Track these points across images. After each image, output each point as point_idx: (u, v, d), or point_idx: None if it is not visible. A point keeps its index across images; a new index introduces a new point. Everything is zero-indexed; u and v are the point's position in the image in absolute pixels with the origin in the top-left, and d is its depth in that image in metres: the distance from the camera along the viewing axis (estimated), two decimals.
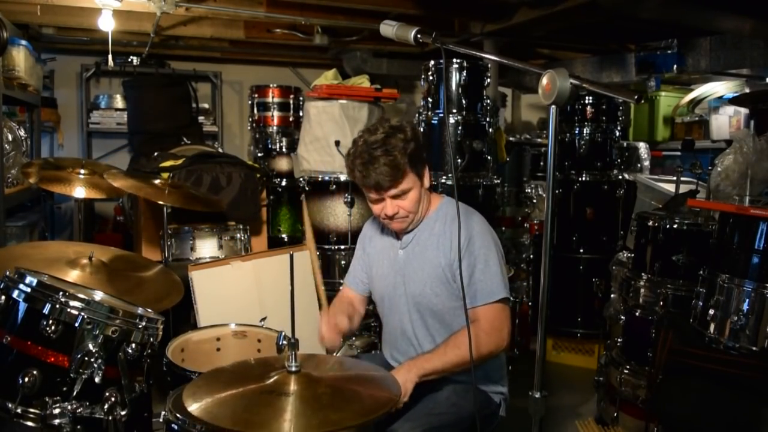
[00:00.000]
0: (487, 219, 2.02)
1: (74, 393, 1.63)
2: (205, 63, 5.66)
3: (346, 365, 1.65)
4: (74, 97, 5.42)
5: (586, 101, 3.96)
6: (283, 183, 4.45)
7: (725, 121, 4.77)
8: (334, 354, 2.09)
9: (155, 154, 3.94)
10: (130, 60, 5.11)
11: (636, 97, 1.32)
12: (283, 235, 4.44)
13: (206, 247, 3.32)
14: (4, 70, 3.31)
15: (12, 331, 1.67)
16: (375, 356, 2.38)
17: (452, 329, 1.93)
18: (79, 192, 2.98)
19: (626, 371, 2.86)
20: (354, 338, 3.41)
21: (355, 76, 3.83)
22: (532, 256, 4.14)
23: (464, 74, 3.37)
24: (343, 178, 3.52)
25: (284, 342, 1.45)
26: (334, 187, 3.54)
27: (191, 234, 3.30)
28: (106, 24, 3.71)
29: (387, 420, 1.79)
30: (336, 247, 3.58)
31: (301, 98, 4.84)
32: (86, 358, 1.63)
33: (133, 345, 1.73)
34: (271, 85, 4.82)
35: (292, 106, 4.82)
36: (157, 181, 3.09)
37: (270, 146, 4.61)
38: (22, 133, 3.67)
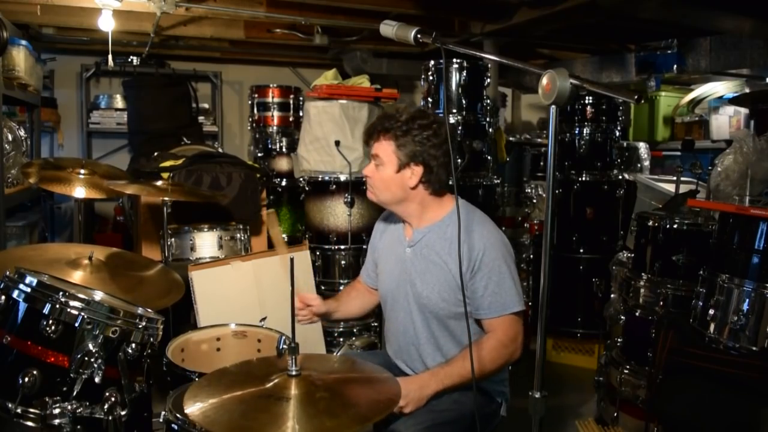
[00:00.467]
0: (493, 222, 2.02)
1: (74, 393, 1.63)
2: (205, 63, 5.66)
3: (348, 366, 1.64)
4: (74, 97, 5.42)
5: (586, 101, 3.96)
6: (283, 183, 4.45)
7: (725, 121, 4.77)
8: (335, 354, 2.08)
9: (155, 154, 3.94)
10: (130, 60, 5.11)
11: (636, 97, 1.32)
12: (283, 235, 4.44)
13: (206, 247, 3.32)
14: (4, 70, 3.31)
15: (12, 331, 1.67)
16: (377, 354, 2.38)
17: (455, 335, 1.94)
18: (79, 192, 2.98)
19: (626, 371, 2.86)
20: (354, 338, 3.42)
21: (355, 76, 3.83)
22: (532, 256, 4.14)
23: (464, 74, 3.37)
24: (343, 178, 3.52)
25: (284, 346, 1.45)
26: (334, 187, 3.54)
27: (191, 234, 3.30)
28: (106, 24, 3.71)
29: (388, 417, 1.79)
30: (336, 247, 3.59)
31: (301, 98, 4.84)
32: (86, 358, 1.63)
33: (133, 345, 1.73)
34: (271, 85, 4.82)
35: (292, 106, 4.82)
36: (159, 183, 3.08)
37: (270, 146, 4.61)
38: (22, 133, 3.67)
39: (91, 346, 1.65)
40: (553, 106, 1.33)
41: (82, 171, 3.04)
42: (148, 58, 5.06)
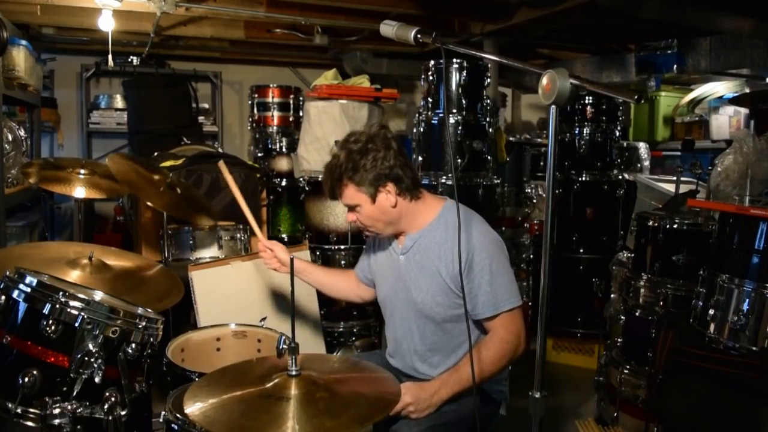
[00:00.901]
0: (487, 219, 2.01)
1: (74, 393, 1.63)
2: (205, 63, 5.66)
3: (348, 366, 1.64)
4: (74, 97, 5.42)
5: (586, 101, 3.96)
6: (283, 183, 4.45)
7: (725, 121, 4.77)
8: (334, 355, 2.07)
9: (155, 154, 3.95)
10: (130, 60, 5.11)
11: (636, 97, 1.32)
12: (283, 235, 4.44)
13: (206, 247, 3.32)
14: (4, 70, 3.31)
15: (12, 331, 1.67)
16: (375, 355, 2.38)
17: (453, 337, 1.94)
18: (79, 192, 2.99)
19: (626, 371, 2.86)
20: (354, 338, 3.43)
21: (355, 76, 3.83)
22: (532, 256, 4.14)
23: (464, 74, 3.37)
24: None
25: (284, 346, 1.44)
26: None
27: (191, 234, 3.30)
28: (106, 24, 3.71)
29: (389, 418, 1.79)
30: (336, 247, 3.58)
31: (301, 98, 4.83)
32: (86, 358, 1.63)
33: (133, 345, 1.73)
34: (271, 85, 4.82)
35: (292, 106, 4.82)
36: (156, 177, 3.06)
37: (270, 146, 4.61)
38: (22, 133, 3.67)
39: (91, 346, 1.65)
40: (553, 106, 1.33)
41: (82, 171, 3.04)
42: (148, 58, 5.06)
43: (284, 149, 4.53)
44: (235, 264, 2.93)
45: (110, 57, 3.78)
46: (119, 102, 5.32)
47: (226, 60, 5.73)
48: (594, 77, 4.59)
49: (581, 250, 4.00)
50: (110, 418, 1.57)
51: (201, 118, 5.49)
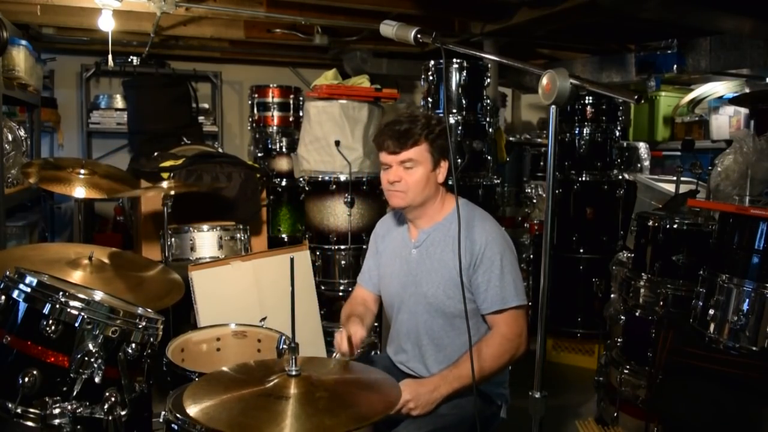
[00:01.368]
0: (495, 219, 2.03)
1: (74, 393, 1.63)
2: (205, 63, 5.66)
3: (347, 368, 1.64)
4: (74, 97, 5.42)
5: (586, 101, 3.96)
6: (283, 183, 4.45)
7: (725, 121, 4.77)
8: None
9: (155, 154, 3.95)
10: (130, 60, 5.11)
11: (636, 97, 1.31)
12: (283, 235, 4.45)
13: (206, 247, 3.32)
14: (4, 70, 3.31)
15: (12, 331, 1.67)
16: (378, 357, 2.37)
17: (461, 334, 1.93)
18: (79, 192, 2.99)
19: (626, 371, 2.86)
20: None
21: (355, 76, 3.83)
22: (532, 256, 4.14)
23: (464, 74, 3.37)
24: (343, 178, 3.52)
25: (284, 346, 1.45)
26: (334, 187, 3.54)
27: (191, 234, 3.30)
28: (106, 24, 3.71)
29: (390, 422, 1.79)
30: (336, 247, 3.59)
31: (301, 98, 4.83)
32: (86, 358, 1.63)
33: (133, 345, 1.73)
34: (271, 85, 4.82)
35: (292, 106, 4.82)
36: (164, 185, 3.09)
37: (270, 146, 4.61)
38: (22, 133, 3.67)
39: (91, 346, 1.65)
40: (553, 106, 1.33)
41: (82, 171, 3.04)
42: (148, 58, 5.06)
43: (284, 149, 4.53)
44: (235, 264, 2.94)
45: (110, 57, 3.78)
46: (119, 102, 5.32)
47: (226, 60, 5.73)
48: (594, 77, 4.59)
49: (581, 250, 4.00)
50: (110, 418, 1.57)
51: (201, 118, 5.49)
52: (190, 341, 2.27)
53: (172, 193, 3.07)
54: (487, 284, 1.88)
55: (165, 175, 3.43)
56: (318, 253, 3.60)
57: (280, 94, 4.81)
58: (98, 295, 1.96)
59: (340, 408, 1.36)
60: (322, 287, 3.58)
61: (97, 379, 1.64)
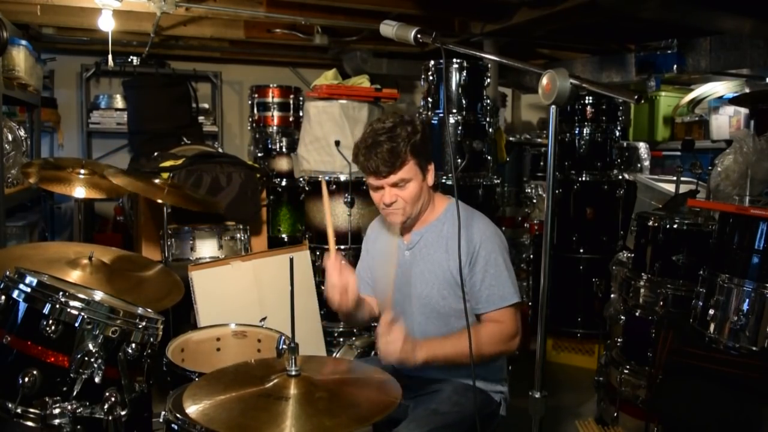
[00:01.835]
0: (488, 218, 2.02)
1: (74, 393, 1.62)
2: (205, 63, 5.66)
3: (348, 368, 1.64)
4: (74, 97, 5.42)
5: (586, 101, 3.96)
6: (283, 183, 4.45)
7: (725, 121, 4.77)
8: (334, 355, 2.06)
9: (155, 154, 3.95)
10: (130, 60, 5.11)
11: (636, 97, 1.31)
12: (283, 235, 4.44)
13: (206, 247, 3.32)
14: (4, 70, 3.31)
15: (12, 331, 1.67)
16: (374, 359, 2.37)
17: (456, 331, 1.93)
18: (79, 192, 2.99)
19: (626, 371, 2.86)
20: (354, 338, 3.42)
21: (355, 76, 3.83)
22: (532, 256, 4.14)
23: (464, 74, 3.37)
24: (343, 178, 3.52)
25: (284, 346, 1.45)
26: (334, 187, 3.54)
27: (191, 234, 3.30)
28: (106, 24, 3.71)
29: (390, 421, 1.79)
30: (336, 247, 3.58)
31: (301, 98, 4.84)
32: (86, 358, 1.63)
33: (133, 345, 1.73)
34: (271, 85, 4.82)
35: (292, 106, 4.82)
36: (157, 181, 3.09)
37: (270, 146, 4.61)
38: (22, 133, 3.67)
39: (91, 346, 1.65)
40: (553, 106, 1.33)
41: (82, 171, 3.04)
42: (148, 58, 5.06)
43: (284, 149, 4.54)
44: (235, 264, 2.93)
45: (110, 57, 3.78)
46: (119, 102, 5.32)
47: (226, 60, 5.73)
48: (594, 77, 4.59)
49: (581, 250, 4.00)
50: (110, 418, 1.57)
51: (201, 118, 5.49)
52: (190, 341, 2.27)
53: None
54: (481, 283, 1.88)
55: (165, 175, 3.43)
56: (318, 253, 3.60)
57: (280, 94, 4.81)
58: (98, 295, 1.96)
59: (340, 408, 1.36)
60: (322, 287, 3.57)
61: (97, 379, 1.64)
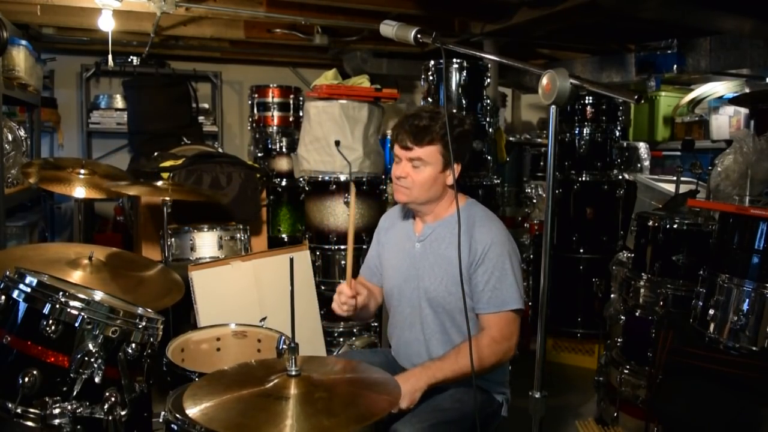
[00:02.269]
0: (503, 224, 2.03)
1: (74, 393, 1.62)
2: (205, 63, 5.66)
3: (348, 368, 1.64)
4: (74, 97, 5.42)
5: (586, 101, 3.96)
6: (283, 183, 4.45)
7: (725, 121, 4.77)
8: (334, 353, 2.07)
9: (155, 154, 3.94)
10: (130, 60, 5.11)
11: (636, 97, 1.32)
12: (283, 235, 4.44)
13: (206, 247, 3.32)
14: (4, 70, 3.31)
15: (12, 331, 1.67)
16: (377, 352, 2.37)
17: (461, 328, 1.93)
18: (79, 192, 2.99)
19: (626, 371, 2.86)
20: (354, 338, 3.42)
21: (355, 76, 3.83)
22: (532, 256, 4.14)
23: (464, 74, 3.37)
24: (343, 178, 3.52)
25: (284, 346, 1.45)
26: (334, 187, 3.54)
27: (191, 234, 3.30)
28: (106, 24, 3.71)
29: (391, 416, 1.79)
30: (336, 247, 3.58)
31: (301, 98, 4.84)
32: (86, 358, 1.63)
33: (133, 345, 1.73)
34: (271, 85, 4.82)
35: (292, 106, 4.82)
36: (159, 183, 3.09)
37: (270, 146, 4.61)
38: (22, 133, 3.67)
39: (91, 346, 1.65)
40: (553, 106, 1.33)
41: (82, 171, 3.04)
42: (148, 58, 5.06)
43: (284, 149, 4.53)
44: (235, 264, 2.93)
45: (110, 57, 3.78)
46: (119, 102, 5.32)
47: (226, 60, 5.73)
48: (594, 77, 4.59)
49: (581, 250, 4.00)
50: (110, 418, 1.57)
51: (201, 118, 5.49)
52: (190, 341, 2.27)
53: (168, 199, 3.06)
54: (484, 285, 1.88)
55: (165, 175, 3.43)
56: (318, 253, 3.60)
57: (280, 94, 4.81)
58: (98, 295, 1.96)
59: (340, 408, 1.36)
60: (322, 287, 3.57)
61: (97, 379, 1.64)
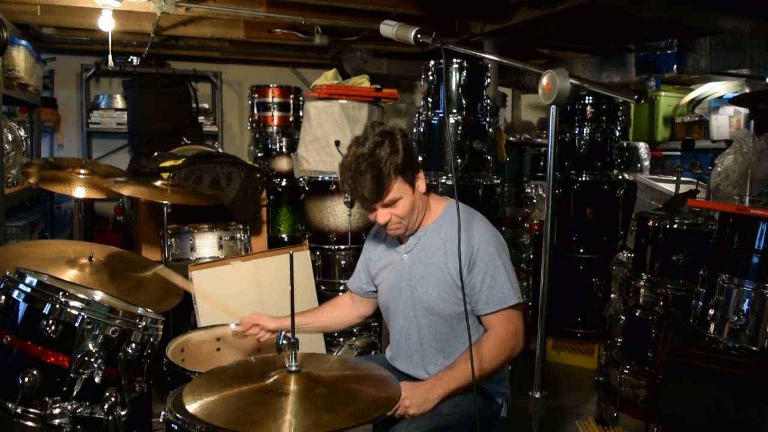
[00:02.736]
0: (487, 219, 2.02)
1: (74, 393, 1.63)
2: (205, 63, 5.66)
3: (348, 365, 1.65)
4: (74, 97, 5.42)
5: (586, 101, 3.96)
6: (283, 183, 4.45)
7: (725, 121, 4.77)
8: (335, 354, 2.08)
9: (155, 154, 3.94)
10: (130, 60, 5.11)
11: (636, 97, 1.31)
12: (283, 235, 4.44)
13: (206, 247, 3.32)
14: (4, 70, 3.31)
15: (12, 331, 1.67)
16: (375, 357, 2.37)
17: (458, 335, 1.93)
18: (79, 192, 2.99)
19: (626, 371, 2.86)
20: (354, 338, 3.42)
21: (355, 76, 3.83)
22: (532, 256, 4.13)
23: (464, 74, 3.37)
24: None
25: (284, 342, 1.45)
26: (334, 187, 3.54)
27: (191, 234, 3.30)
28: (106, 24, 3.71)
29: (390, 420, 1.79)
30: (336, 247, 3.59)
31: (301, 98, 4.83)
32: (86, 358, 1.63)
33: (133, 345, 1.73)
34: (271, 85, 4.82)
35: (292, 106, 4.82)
36: (158, 183, 3.09)
37: (270, 146, 4.61)
38: (22, 133, 3.67)
39: (91, 346, 1.65)
40: (553, 106, 1.33)
41: (82, 171, 3.04)
42: (148, 58, 5.06)
43: (284, 149, 4.53)
44: (235, 264, 2.93)
45: (110, 57, 3.78)
46: (119, 102, 5.32)
47: (226, 60, 5.73)
48: (594, 77, 4.59)
49: (581, 250, 4.01)
50: (110, 418, 1.57)
51: (201, 118, 5.49)
52: (190, 341, 2.27)
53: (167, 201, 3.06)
54: (481, 285, 1.87)
55: (165, 175, 3.43)
56: (318, 253, 3.60)
57: (280, 94, 4.81)
58: (98, 295, 1.96)
59: (340, 404, 1.36)
60: (322, 287, 3.58)
61: (97, 379, 1.64)
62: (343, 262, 3.57)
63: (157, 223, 3.46)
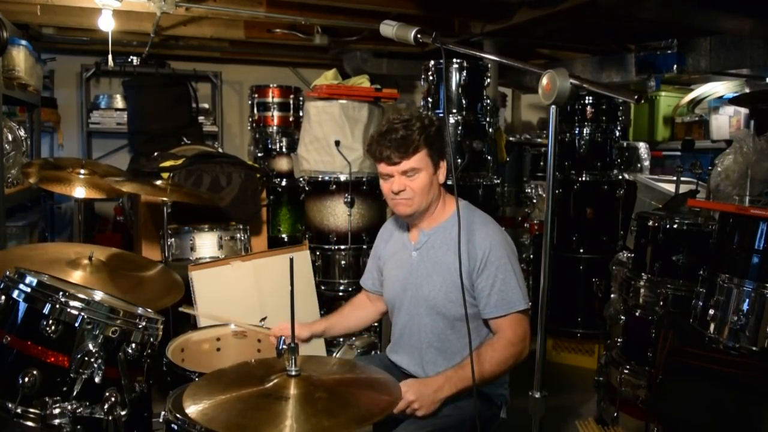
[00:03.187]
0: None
1: (74, 393, 1.63)
2: (205, 63, 5.66)
3: (348, 367, 1.64)
4: (74, 97, 5.42)
5: (586, 101, 3.96)
6: (283, 183, 4.46)
7: (725, 121, 4.77)
8: (335, 355, 2.08)
9: (155, 154, 3.95)
10: (130, 60, 5.11)
11: (636, 97, 1.32)
12: (283, 235, 4.45)
13: (206, 247, 3.32)
14: (4, 70, 3.31)
15: (12, 331, 1.67)
16: (375, 357, 2.37)
17: (461, 337, 1.92)
18: (79, 192, 2.99)
19: (626, 371, 2.86)
20: (354, 338, 3.42)
21: (355, 76, 3.83)
22: (532, 256, 4.14)
23: (464, 74, 3.37)
24: (343, 178, 3.52)
25: (284, 346, 1.45)
26: (334, 187, 3.55)
27: (191, 234, 3.30)
28: (106, 24, 3.71)
29: (390, 422, 1.79)
30: (336, 247, 3.59)
31: (301, 98, 4.84)
32: (86, 358, 1.63)
33: (133, 345, 1.73)
34: (271, 85, 4.82)
35: (292, 106, 4.82)
36: (158, 182, 3.09)
37: (270, 146, 4.61)
38: (22, 133, 3.67)
39: (91, 346, 1.65)
40: (553, 106, 1.33)
41: (82, 171, 3.04)
42: (148, 58, 5.05)
43: (284, 149, 4.54)
44: (235, 264, 2.94)
45: (110, 57, 3.78)
46: (119, 102, 5.32)
47: (226, 60, 5.73)
48: (594, 77, 4.59)
49: (581, 250, 4.00)
50: (110, 418, 1.57)
51: (201, 118, 5.49)
52: (190, 341, 2.27)
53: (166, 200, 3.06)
54: (490, 289, 1.87)
55: (165, 175, 3.43)
56: (318, 253, 3.60)
57: (280, 94, 4.81)
58: (98, 295, 1.96)
59: (340, 408, 1.36)
60: (322, 287, 3.58)
61: (97, 379, 1.64)
62: (343, 262, 3.58)
63: (157, 223, 3.46)
